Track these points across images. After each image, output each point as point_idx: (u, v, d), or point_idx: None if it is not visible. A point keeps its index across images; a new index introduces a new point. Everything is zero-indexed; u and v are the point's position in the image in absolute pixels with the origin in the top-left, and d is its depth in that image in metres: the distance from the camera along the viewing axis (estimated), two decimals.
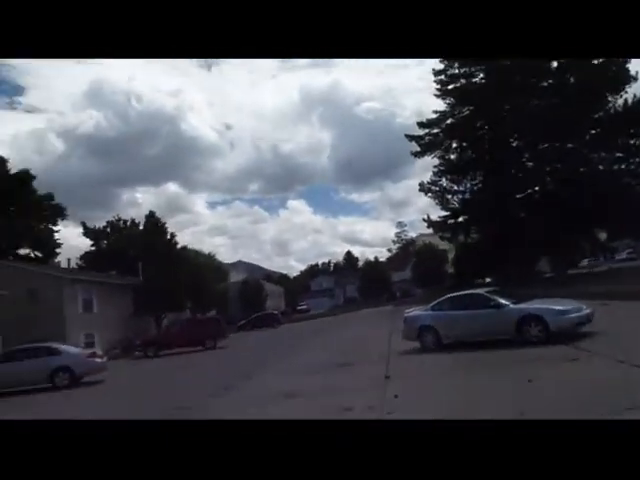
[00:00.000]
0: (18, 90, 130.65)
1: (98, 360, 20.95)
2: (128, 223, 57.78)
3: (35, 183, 52.52)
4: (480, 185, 43.82)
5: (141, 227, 54.33)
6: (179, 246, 52.75)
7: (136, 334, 38.27)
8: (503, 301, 14.53)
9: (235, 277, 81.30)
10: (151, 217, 52.71)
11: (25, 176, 51.31)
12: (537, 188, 40.24)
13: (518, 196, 40.59)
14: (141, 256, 48.27)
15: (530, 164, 40.94)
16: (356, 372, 13.83)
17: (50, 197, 53.22)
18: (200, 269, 53.99)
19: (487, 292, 15.51)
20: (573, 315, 13.44)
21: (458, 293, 16.46)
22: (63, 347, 21.01)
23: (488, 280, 44.67)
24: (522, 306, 14.18)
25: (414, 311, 17.33)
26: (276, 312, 58.81)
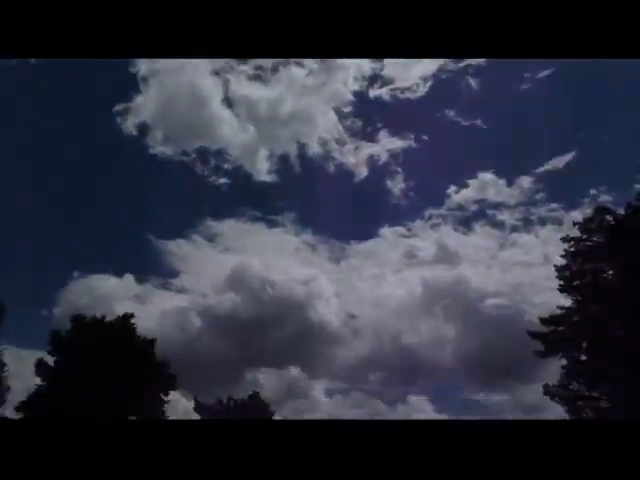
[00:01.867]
0: (173, 273, 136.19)
1: None
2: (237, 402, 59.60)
3: (171, 357, 54.42)
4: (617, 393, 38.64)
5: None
6: None
7: None
8: None
9: None
10: (254, 397, 53.13)
11: (150, 344, 52.94)
12: None
13: None
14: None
15: None
16: None
17: (165, 365, 53.07)
18: None
19: None
20: None
21: None
22: None
23: None
24: None
25: None
26: None
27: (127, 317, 56.02)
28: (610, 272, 37.55)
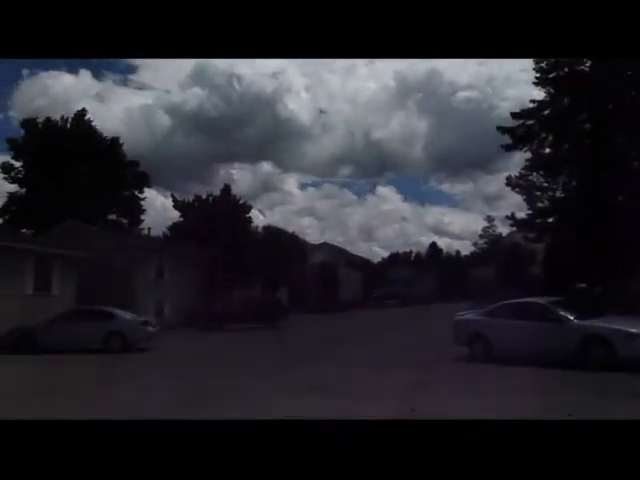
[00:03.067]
0: (131, 68, 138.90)
1: (150, 328, 21.18)
2: (215, 199, 56.23)
3: (142, 157, 53.43)
4: (575, 183, 36.84)
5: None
6: (265, 224, 55.24)
7: (203, 306, 37.43)
8: (566, 315, 12.78)
9: (319, 259, 78.09)
10: (226, 192, 52.88)
11: (113, 143, 51.78)
12: None
13: (620, 198, 35.41)
14: (220, 231, 46.77)
15: (636, 164, 33.82)
16: (388, 376, 12.64)
17: (135, 164, 52.82)
18: (280, 248, 53.83)
19: (549, 302, 13.65)
20: None
21: (517, 300, 14.70)
22: (118, 312, 21.08)
23: (583, 286, 39.47)
24: (587, 323, 12.41)
25: (467, 314, 15.74)
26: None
27: (81, 116, 53.57)
28: (587, 64, 37.15)
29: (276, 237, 57.77)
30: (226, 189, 53.93)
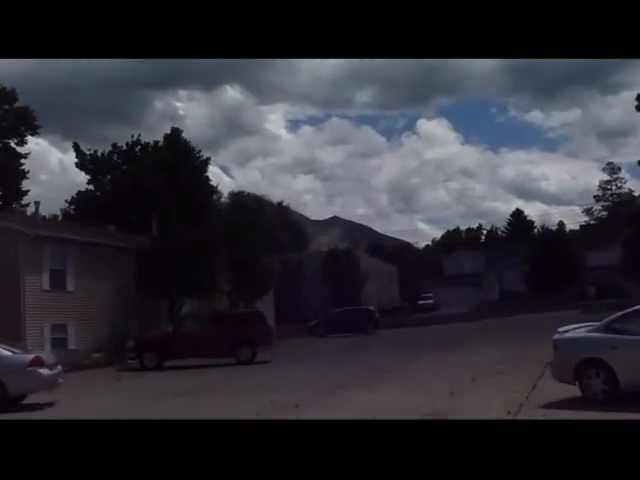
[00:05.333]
0: None
1: (45, 371, 12.64)
2: (152, 149, 34.72)
3: (23, 86, 34.51)
4: None
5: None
6: (234, 190, 35.46)
7: (132, 330, 23.65)
8: None
9: (326, 243, 53.07)
10: (175, 135, 34.50)
11: None
12: None
13: None
14: (158, 202, 29.60)
15: None
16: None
17: (12, 98, 32.54)
18: (261, 227, 36.41)
19: None
20: None
21: None
22: None
23: None
24: None
25: (574, 330, 9.90)
26: (372, 308, 35.48)
27: None
28: None
29: (253, 210, 38.64)
30: (173, 134, 34.39)
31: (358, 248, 54.19)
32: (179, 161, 31.45)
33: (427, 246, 79.27)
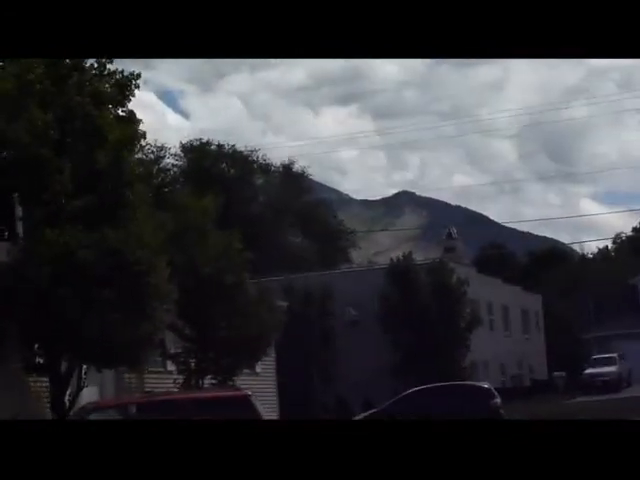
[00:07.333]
0: None
1: None
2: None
3: None
4: None
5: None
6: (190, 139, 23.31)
7: None
8: None
9: (374, 247, 29.61)
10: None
11: None
12: None
13: None
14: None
15: None
16: None
17: None
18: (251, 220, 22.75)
19: None
20: None
21: None
22: None
23: None
24: None
25: None
26: (487, 386, 20.23)
27: None
28: None
29: (232, 182, 23.44)
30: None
31: (457, 256, 31.18)
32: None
33: (604, 250, 45.03)
